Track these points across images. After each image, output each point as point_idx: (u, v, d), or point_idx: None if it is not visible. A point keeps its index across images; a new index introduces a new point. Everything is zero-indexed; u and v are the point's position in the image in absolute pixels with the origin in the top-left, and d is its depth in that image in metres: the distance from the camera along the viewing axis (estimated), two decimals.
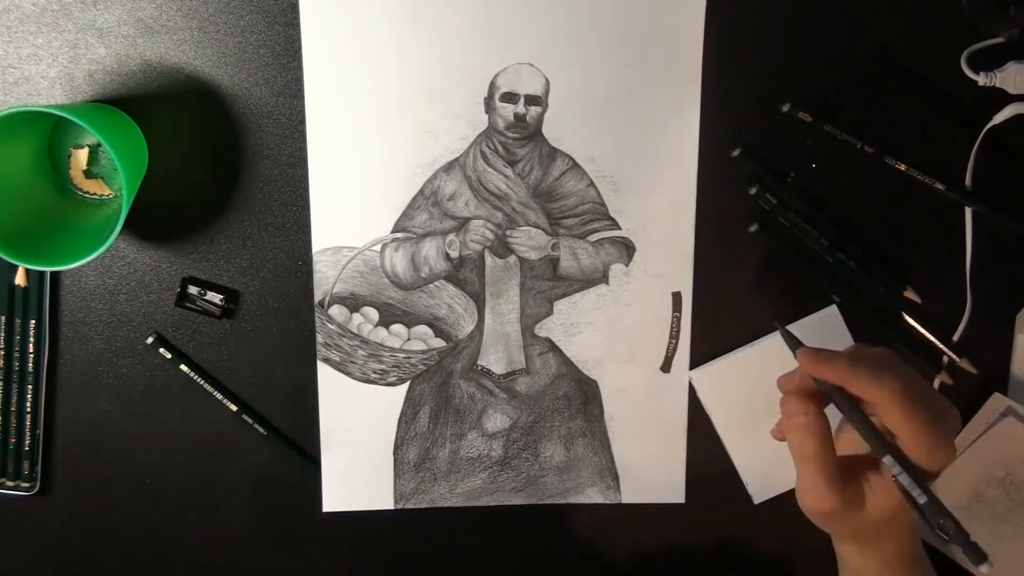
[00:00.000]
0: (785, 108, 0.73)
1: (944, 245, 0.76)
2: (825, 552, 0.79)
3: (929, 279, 0.76)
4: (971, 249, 0.75)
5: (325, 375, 0.76)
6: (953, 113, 0.74)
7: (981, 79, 0.71)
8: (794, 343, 0.62)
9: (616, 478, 0.78)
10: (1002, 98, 0.72)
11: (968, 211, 0.74)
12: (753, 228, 0.75)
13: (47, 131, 0.72)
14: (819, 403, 0.59)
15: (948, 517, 0.56)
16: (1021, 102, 0.72)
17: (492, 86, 0.73)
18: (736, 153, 0.74)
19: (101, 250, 0.65)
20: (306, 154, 0.73)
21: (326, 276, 0.75)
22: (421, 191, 0.75)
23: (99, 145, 0.73)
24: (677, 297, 0.76)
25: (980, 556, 0.56)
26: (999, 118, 0.72)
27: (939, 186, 0.73)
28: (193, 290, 0.75)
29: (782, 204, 0.74)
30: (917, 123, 0.74)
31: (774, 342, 0.76)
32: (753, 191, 0.74)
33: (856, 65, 0.73)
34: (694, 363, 0.77)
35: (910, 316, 0.76)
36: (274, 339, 0.76)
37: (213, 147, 0.73)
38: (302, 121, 0.73)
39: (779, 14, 0.73)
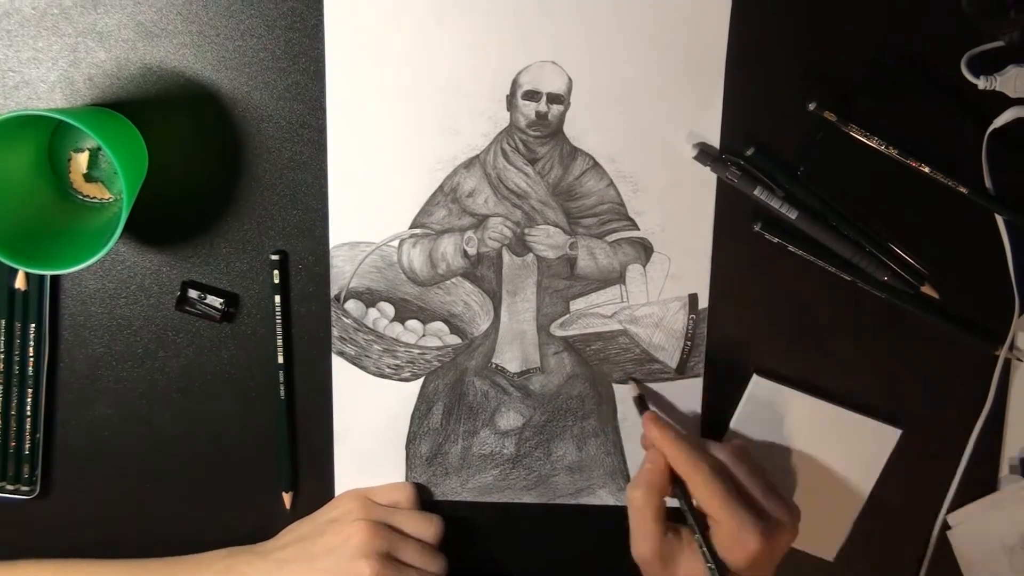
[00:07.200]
0: (811, 107, 0.72)
1: (951, 243, 0.76)
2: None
3: (939, 276, 0.76)
4: (1011, 252, 0.75)
5: (340, 368, 0.75)
6: (954, 116, 0.73)
7: (981, 83, 0.71)
8: (641, 406, 0.74)
9: (628, 480, 0.78)
10: (1002, 101, 0.72)
11: (1000, 220, 0.74)
12: (757, 227, 0.74)
13: (47, 135, 0.70)
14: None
15: None
16: (1021, 105, 0.71)
17: (515, 83, 0.71)
18: (751, 152, 0.73)
19: (101, 254, 0.63)
20: (306, 157, 0.72)
21: (343, 271, 0.74)
22: (440, 187, 0.73)
23: (99, 149, 0.71)
24: (694, 299, 0.76)
25: None
26: (999, 122, 0.72)
27: (962, 190, 0.72)
28: (193, 294, 0.73)
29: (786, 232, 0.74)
30: (917, 124, 0.73)
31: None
32: (757, 227, 0.74)
33: (855, 67, 0.72)
34: (708, 364, 0.77)
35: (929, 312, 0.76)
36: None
37: (213, 151, 0.72)
38: (302, 125, 0.72)
39: (794, 13, 0.71)
